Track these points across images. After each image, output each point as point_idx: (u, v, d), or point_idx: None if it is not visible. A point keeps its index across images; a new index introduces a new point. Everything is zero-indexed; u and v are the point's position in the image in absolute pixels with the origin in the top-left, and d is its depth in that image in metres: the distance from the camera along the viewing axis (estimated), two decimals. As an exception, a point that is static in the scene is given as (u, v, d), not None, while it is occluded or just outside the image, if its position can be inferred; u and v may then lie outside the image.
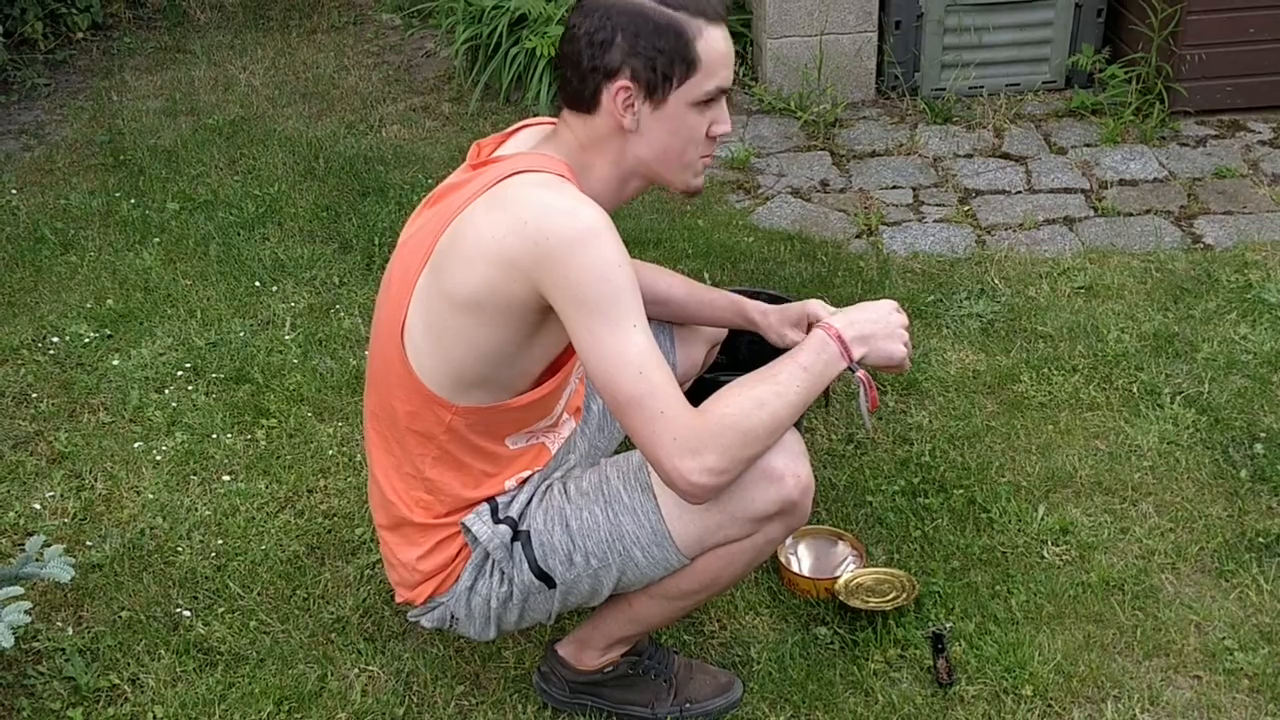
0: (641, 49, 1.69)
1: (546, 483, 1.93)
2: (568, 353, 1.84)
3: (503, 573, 1.89)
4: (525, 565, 1.87)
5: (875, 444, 2.78)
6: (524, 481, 1.92)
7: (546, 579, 1.87)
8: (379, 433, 1.92)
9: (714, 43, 1.72)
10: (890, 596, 2.31)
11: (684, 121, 1.75)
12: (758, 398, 1.71)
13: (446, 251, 1.73)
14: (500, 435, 1.87)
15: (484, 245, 1.67)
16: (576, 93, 1.75)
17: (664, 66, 1.70)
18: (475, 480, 1.88)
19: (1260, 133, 4.24)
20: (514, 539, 1.87)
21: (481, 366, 1.76)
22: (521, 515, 1.89)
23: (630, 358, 1.63)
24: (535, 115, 4.51)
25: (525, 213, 1.65)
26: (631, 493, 1.85)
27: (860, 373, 1.84)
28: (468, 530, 1.88)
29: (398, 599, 2.00)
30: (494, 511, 1.88)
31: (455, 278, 1.71)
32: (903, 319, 1.88)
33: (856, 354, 1.81)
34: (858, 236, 3.73)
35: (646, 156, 1.78)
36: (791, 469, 1.80)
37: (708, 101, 1.75)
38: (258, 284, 3.51)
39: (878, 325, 1.84)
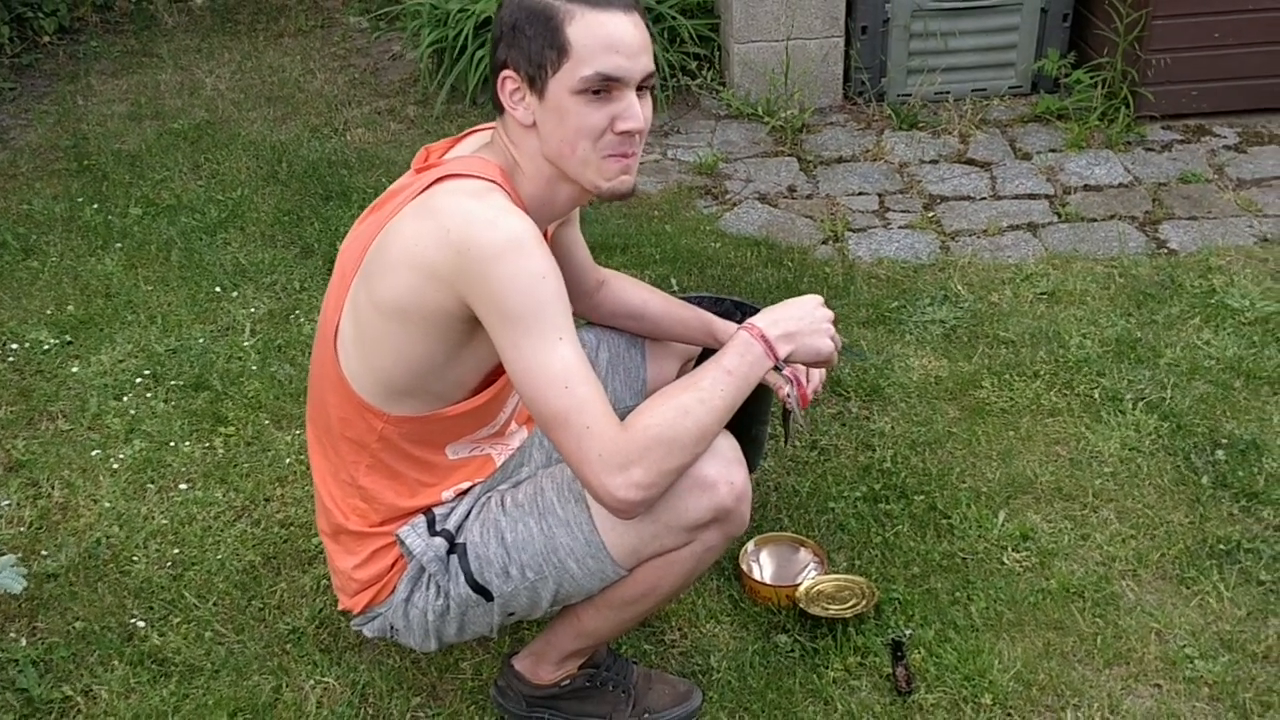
0: (517, 40, 1.67)
1: (488, 494, 1.91)
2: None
3: (438, 586, 1.86)
4: (461, 578, 1.85)
5: (839, 450, 2.77)
6: (464, 493, 1.90)
7: (483, 592, 1.85)
8: (317, 438, 1.90)
9: (593, 27, 1.64)
10: (850, 604, 2.30)
11: (570, 112, 1.66)
12: (682, 406, 1.68)
13: (375, 258, 1.71)
14: (439, 444, 1.85)
15: (408, 253, 1.65)
16: (493, 93, 1.75)
17: (536, 54, 1.66)
18: (411, 490, 1.86)
19: (1225, 137, 4.27)
20: (450, 552, 1.85)
21: (410, 376, 1.74)
22: (459, 528, 1.87)
23: (556, 372, 1.61)
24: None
25: (449, 221, 1.63)
26: (565, 504, 1.82)
27: (788, 370, 1.82)
28: (402, 542, 1.86)
29: (339, 606, 1.98)
30: (430, 523, 1.86)
31: (382, 285, 1.69)
32: (828, 314, 1.84)
33: (782, 352, 1.77)
34: (824, 242, 3.72)
35: (548, 153, 1.72)
36: (725, 476, 1.76)
37: (597, 92, 1.66)
38: (219, 289, 3.47)
39: (803, 322, 1.79)
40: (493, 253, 1.59)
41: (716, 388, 1.71)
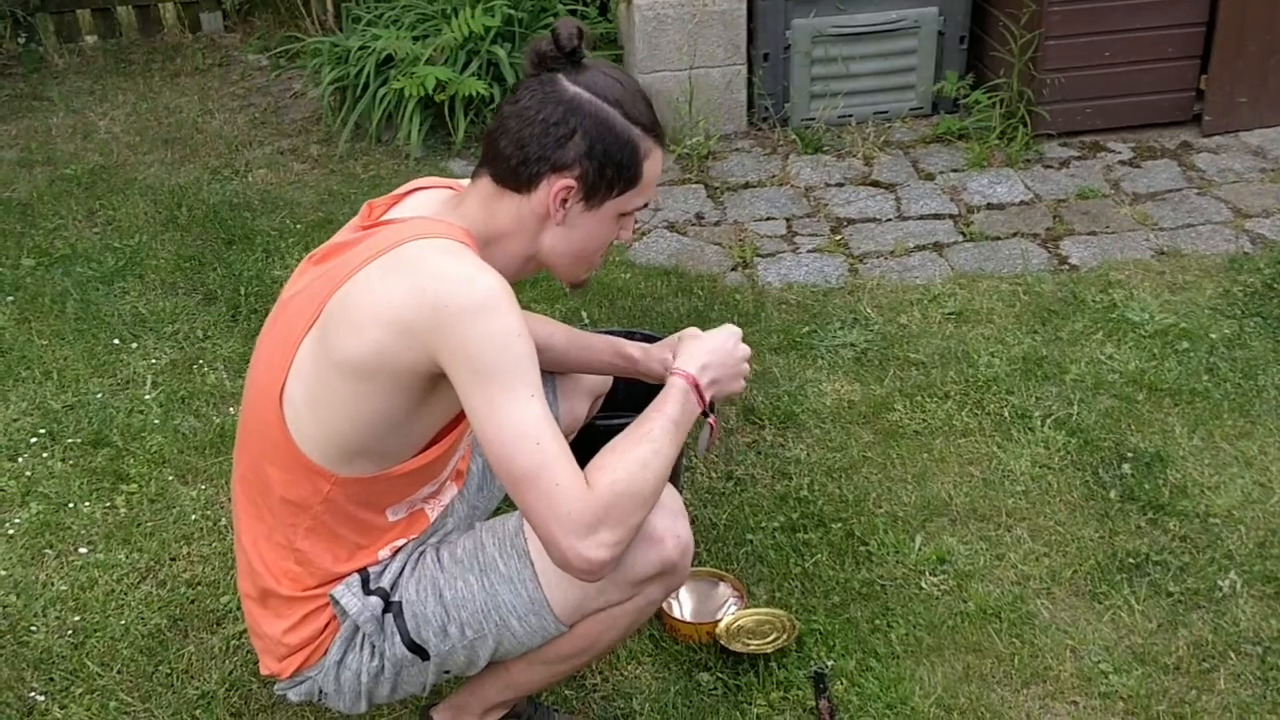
0: (597, 155, 1.69)
1: (420, 549, 1.87)
2: (456, 419, 1.79)
3: (373, 646, 1.82)
4: (397, 638, 1.80)
5: (755, 480, 2.77)
6: (398, 550, 1.86)
7: (420, 651, 1.81)
8: (249, 498, 1.84)
9: (655, 164, 1.75)
10: (771, 638, 2.30)
11: (605, 227, 1.77)
12: (640, 460, 1.68)
13: (336, 315, 1.67)
14: (381, 506, 1.81)
15: (378, 310, 1.62)
16: (513, 172, 1.71)
17: (611, 176, 1.71)
18: (349, 553, 1.81)
19: (1120, 152, 4.36)
20: (385, 610, 1.81)
21: (367, 436, 1.70)
22: (394, 585, 1.82)
23: (528, 428, 1.59)
24: (408, 155, 4.47)
25: (424, 279, 1.61)
26: (508, 560, 1.80)
27: (711, 417, 1.86)
28: (336, 602, 1.80)
29: (262, 669, 1.92)
30: (365, 582, 1.81)
31: (345, 342, 1.65)
32: (745, 351, 1.92)
33: (708, 397, 1.83)
34: (733, 269, 3.73)
35: (559, 249, 1.77)
36: (671, 530, 1.79)
37: (629, 213, 1.78)
38: (117, 341, 3.38)
39: (725, 368, 1.87)
40: (470, 309, 1.59)
41: (666, 438, 1.72)
